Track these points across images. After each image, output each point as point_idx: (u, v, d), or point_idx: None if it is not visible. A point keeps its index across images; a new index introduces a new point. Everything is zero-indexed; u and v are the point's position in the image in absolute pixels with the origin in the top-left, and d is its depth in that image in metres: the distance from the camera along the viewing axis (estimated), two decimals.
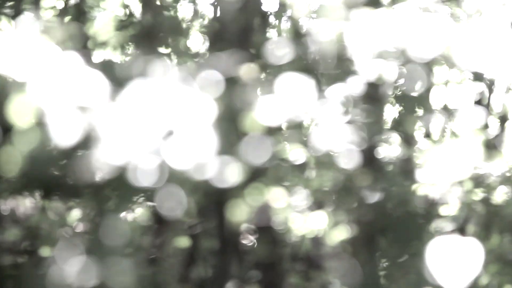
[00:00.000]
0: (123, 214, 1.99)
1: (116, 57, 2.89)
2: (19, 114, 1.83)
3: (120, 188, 2.86)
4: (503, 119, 6.31)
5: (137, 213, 3.28)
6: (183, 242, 4.08)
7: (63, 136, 2.51)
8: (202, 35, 3.56)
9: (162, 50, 3.16)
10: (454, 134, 3.89)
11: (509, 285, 5.16)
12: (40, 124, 1.82)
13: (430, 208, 4.34)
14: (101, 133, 1.72)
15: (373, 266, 1.47)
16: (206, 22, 3.56)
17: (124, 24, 3.39)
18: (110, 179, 2.76)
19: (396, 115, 3.41)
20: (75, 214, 3.68)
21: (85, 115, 1.79)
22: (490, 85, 4.00)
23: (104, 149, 3.05)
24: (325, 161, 3.13)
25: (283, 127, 4.96)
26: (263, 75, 3.17)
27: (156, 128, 2.28)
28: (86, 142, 3.06)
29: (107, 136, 1.70)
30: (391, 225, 1.50)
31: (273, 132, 3.83)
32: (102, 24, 3.59)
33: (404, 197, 3.25)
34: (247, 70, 2.57)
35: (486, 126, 4.91)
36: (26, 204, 3.83)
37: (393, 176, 1.59)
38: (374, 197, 1.63)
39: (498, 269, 5.23)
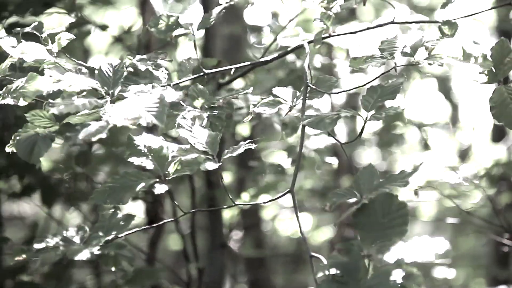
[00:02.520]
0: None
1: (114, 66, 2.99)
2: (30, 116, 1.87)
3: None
4: (475, 128, 6.52)
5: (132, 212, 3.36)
6: (177, 241, 4.18)
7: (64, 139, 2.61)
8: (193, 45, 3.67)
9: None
10: (429, 143, 4.04)
11: (480, 284, 5.34)
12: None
13: (407, 211, 4.51)
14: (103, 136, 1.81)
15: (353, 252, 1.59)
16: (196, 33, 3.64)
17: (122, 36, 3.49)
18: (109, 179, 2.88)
19: (375, 123, 3.55)
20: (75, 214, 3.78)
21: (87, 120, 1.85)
22: (462, 96, 4.20)
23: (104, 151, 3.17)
24: (309, 164, 3.24)
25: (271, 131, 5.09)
26: (252, 82, 3.32)
27: (152, 129, 2.40)
28: (88, 145, 3.17)
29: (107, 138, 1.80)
30: (369, 225, 1.63)
31: (260, 135, 3.98)
32: (101, 36, 3.70)
33: (382, 199, 3.41)
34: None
35: (459, 135, 5.08)
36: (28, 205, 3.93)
37: (372, 180, 1.70)
38: (353, 199, 1.74)
39: (470, 269, 5.41)
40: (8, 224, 4.32)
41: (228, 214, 3.65)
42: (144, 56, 1.96)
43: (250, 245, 3.95)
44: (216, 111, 1.94)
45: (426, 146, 4.35)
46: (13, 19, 2.85)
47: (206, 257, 3.41)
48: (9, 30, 2.79)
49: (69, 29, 3.29)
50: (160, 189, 1.66)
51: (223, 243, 3.38)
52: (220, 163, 1.68)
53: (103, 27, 3.26)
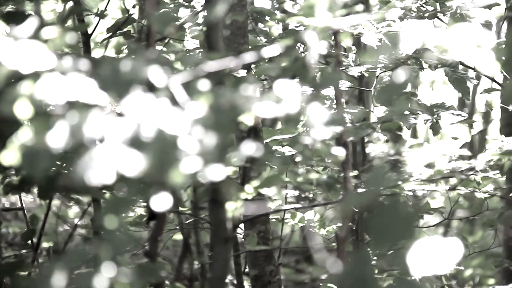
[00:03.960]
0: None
1: (114, 57, 2.92)
2: (22, 109, 1.84)
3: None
4: (486, 116, 6.44)
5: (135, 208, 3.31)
6: (179, 236, 4.13)
7: (62, 136, 2.54)
8: (196, 36, 3.60)
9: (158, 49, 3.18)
10: (440, 131, 3.98)
11: (491, 277, 5.28)
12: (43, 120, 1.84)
13: (417, 203, 4.44)
14: (101, 133, 1.76)
15: (363, 259, 1.54)
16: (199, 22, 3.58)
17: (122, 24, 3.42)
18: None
19: (384, 112, 3.49)
20: (75, 210, 3.73)
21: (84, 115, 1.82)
22: (475, 83, 4.12)
23: (104, 149, 3.11)
24: (315, 155, 3.18)
25: (276, 121, 5.02)
26: (255, 72, 3.24)
27: (152, 125, 2.33)
28: (87, 142, 3.10)
29: (107, 136, 1.74)
30: (377, 218, 1.58)
31: (266, 126, 3.91)
32: (100, 26, 3.63)
33: (392, 191, 3.34)
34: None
35: (470, 123, 5.01)
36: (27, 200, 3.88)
37: (381, 171, 1.66)
38: (361, 190, 1.70)
39: (481, 261, 5.35)
40: (8, 215, 4.28)
41: (232, 206, 3.57)
42: (144, 54, 1.89)
43: (256, 237, 3.89)
44: (221, 114, 1.86)
45: (436, 134, 4.30)
46: (9, 8, 2.80)
47: (210, 252, 3.35)
48: (6, 19, 2.74)
49: (67, 16, 3.22)
50: (162, 206, 1.58)
51: (227, 237, 3.31)
52: (226, 173, 1.60)
53: (102, 15, 3.20)
